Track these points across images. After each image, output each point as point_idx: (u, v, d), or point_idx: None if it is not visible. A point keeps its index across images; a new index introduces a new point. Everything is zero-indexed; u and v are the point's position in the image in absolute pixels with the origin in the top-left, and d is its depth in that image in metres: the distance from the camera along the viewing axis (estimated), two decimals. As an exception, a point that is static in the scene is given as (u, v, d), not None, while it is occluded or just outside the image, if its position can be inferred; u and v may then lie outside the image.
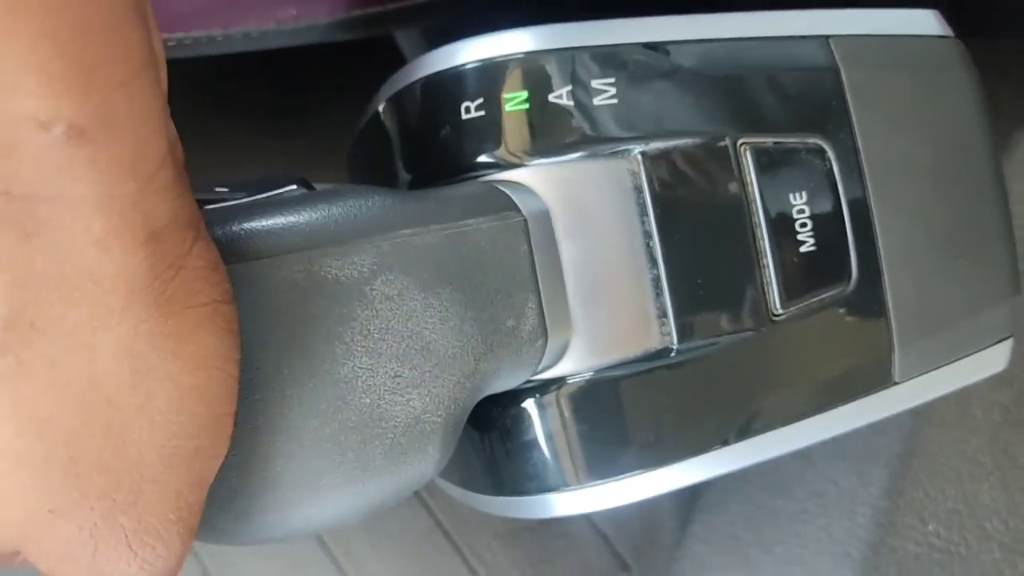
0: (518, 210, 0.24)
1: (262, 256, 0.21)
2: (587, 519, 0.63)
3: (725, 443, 0.26)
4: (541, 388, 0.25)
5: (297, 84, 0.49)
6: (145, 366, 0.18)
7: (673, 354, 0.25)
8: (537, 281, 0.24)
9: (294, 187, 0.23)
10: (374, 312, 0.22)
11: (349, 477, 0.21)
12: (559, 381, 0.25)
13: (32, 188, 0.16)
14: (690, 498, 0.51)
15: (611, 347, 0.25)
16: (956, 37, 0.28)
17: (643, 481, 0.26)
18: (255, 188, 0.24)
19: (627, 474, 0.26)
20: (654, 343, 0.25)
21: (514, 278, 0.24)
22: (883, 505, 0.47)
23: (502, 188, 0.25)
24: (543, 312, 0.24)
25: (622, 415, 0.25)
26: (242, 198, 0.23)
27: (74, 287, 0.17)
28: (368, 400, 0.21)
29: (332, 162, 0.35)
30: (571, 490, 0.26)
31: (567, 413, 0.25)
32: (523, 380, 0.25)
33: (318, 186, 0.24)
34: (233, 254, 0.21)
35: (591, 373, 0.25)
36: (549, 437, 0.26)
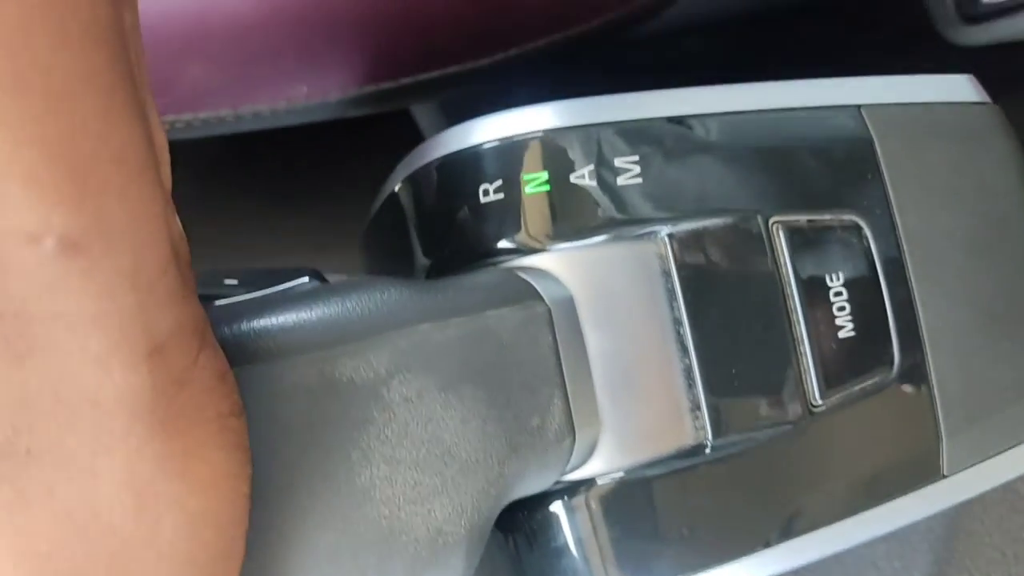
0: (541, 299, 0.23)
1: (272, 357, 0.19)
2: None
3: (766, 545, 0.24)
4: (569, 490, 0.24)
5: (309, 161, 0.48)
6: (151, 491, 0.17)
7: (708, 450, 0.24)
8: (563, 375, 0.22)
9: (306, 279, 0.22)
10: (391, 415, 0.20)
11: None
12: (588, 482, 0.24)
13: (22, 305, 0.15)
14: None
15: (643, 444, 0.23)
16: (993, 103, 0.27)
17: (679, 586, 0.24)
18: (266, 281, 0.23)
19: (663, 579, 0.24)
20: (688, 439, 0.24)
21: (538, 372, 0.22)
22: (925, 587, 0.45)
23: (523, 276, 0.23)
24: (570, 409, 0.22)
25: (656, 517, 0.24)
26: (252, 291, 0.22)
27: (72, 410, 0.16)
28: (387, 511, 0.20)
29: (345, 243, 0.34)
30: (603, 598, 0.24)
31: (598, 516, 0.24)
32: (551, 482, 0.23)
33: (331, 277, 0.23)
34: (241, 355, 0.19)
35: (622, 472, 0.24)
36: (579, 542, 0.24)
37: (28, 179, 0.14)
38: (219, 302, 0.21)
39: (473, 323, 0.22)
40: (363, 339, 0.20)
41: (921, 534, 0.45)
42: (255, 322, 0.20)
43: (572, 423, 0.22)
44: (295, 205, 0.48)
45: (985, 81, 0.27)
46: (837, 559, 0.47)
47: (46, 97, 0.14)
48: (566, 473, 0.23)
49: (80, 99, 0.14)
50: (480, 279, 0.23)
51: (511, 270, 0.24)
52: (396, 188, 0.27)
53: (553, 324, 0.23)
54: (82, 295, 0.15)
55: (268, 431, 0.19)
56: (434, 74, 0.31)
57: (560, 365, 0.22)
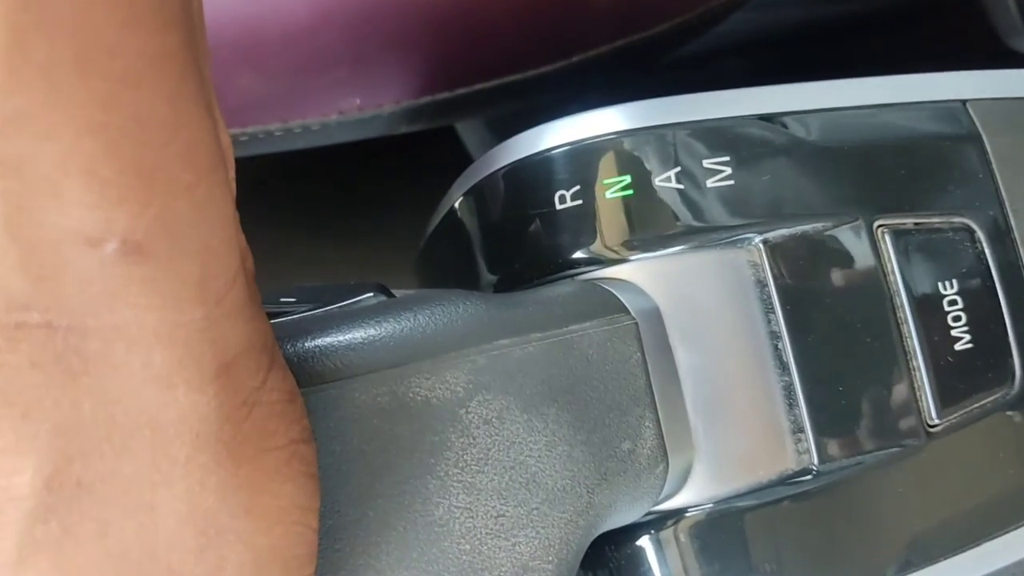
0: (627, 311, 0.21)
1: (341, 377, 0.18)
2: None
3: (879, 581, 0.22)
4: (658, 523, 0.22)
5: (356, 184, 0.47)
6: (214, 528, 0.15)
7: (813, 476, 0.21)
8: (653, 394, 0.21)
9: (371, 295, 0.21)
10: (471, 439, 0.19)
11: None
12: (678, 513, 0.22)
13: (79, 318, 0.14)
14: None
15: (738, 471, 0.21)
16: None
17: (782, 630, 0.22)
18: (327, 298, 0.21)
19: (763, 621, 0.22)
20: (789, 464, 0.21)
21: (627, 391, 0.20)
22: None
23: (606, 286, 0.21)
24: (662, 431, 0.21)
25: (753, 554, 0.22)
26: (313, 309, 0.20)
27: (129, 435, 0.14)
28: (468, 547, 0.18)
29: (398, 267, 0.32)
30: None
31: (690, 552, 0.22)
32: (642, 513, 0.21)
33: (398, 292, 0.21)
34: (307, 376, 0.18)
35: (715, 504, 0.22)
36: (669, 580, 0.22)
37: (89, 174, 0.13)
38: (280, 319, 0.19)
39: (556, 339, 0.20)
40: (438, 356, 0.19)
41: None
42: (321, 340, 0.19)
43: (665, 447, 0.21)
44: (341, 230, 0.46)
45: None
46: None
47: (111, 81, 0.13)
48: (658, 503, 0.21)
49: (148, 85, 0.13)
50: (560, 291, 0.22)
51: (593, 281, 0.22)
52: (457, 203, 0.25)
53: (641, 339, 0.21)
54: (145, 306, 0.14)
55: (337, 458, 0.18)
56: (490, 84, 0.29)
57: (650, 384, 0.21)
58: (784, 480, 0.22)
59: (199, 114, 0.14)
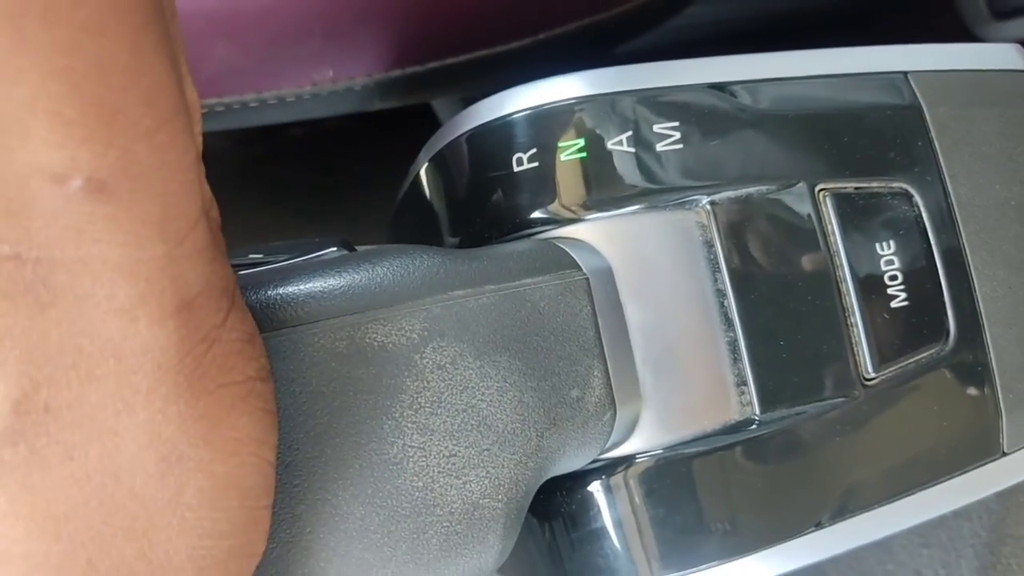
0: (579, 268, 0.22)
1: (301, 323, 0.19)
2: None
3: (818, 526, 0.23)
4: (607, 469, 0.23)
5: (333, 165, 0.48)
6: (174, 454, 0.16)
7: (755, 426, 0.23)
8: (602, 346, 0.22)
9: (334, 249, 0.21)
10: (425, 383, 0.19)
11: (400, 573, 0.19)
12: (627, 460, 0.23)
13: (47, 251, 0.14)
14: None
15: (685, 420, 0.22)
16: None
17: (727, 572, 0.23)
18: (292, 253, 0.22)
19: (707, 564, 0.23)
20: (733, 414, 0.23)
21: (577, 342, 0.21)
22: (971, 596, 0.43)
23: (560, 244, 0.22)
24: (610, 381, 0.22)
25: (700, 497, 0.23)
26: (279, 262, 0.21)
27: (95, 364, 0.15)
28: (420, 483, 0.19)
29: (372, 235, 0.33)
30: (645, 584, 0.23)
31: (638, 497, 0.23)
32: (590, 459, 0.22)
33: (360, 248, 0.22)
34: (269, 322, 0.19)
35: (663, 450, 0.23)
36: (618, 524, 0.23)
37: (54, 115, 0.13)
38: (246, 271, 0.20)
39: (509, 291, 0.21)
40: (395, 305, 0.20)
41: (965, 539, 0.43)
42: (283, 289, 0.19)
43: (612, 396, 0.22)
44: (318, 208, 0.47)
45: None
46: (880, 567, 0.46)
47: (74, 28, 0.13)
48: (607, 450, 0.22)
49: (110, 33, 0.14)
50: (515, 247, 0.23)
51: (547, 239, 0.23)
52: (422, 168, 0.26)
53: (591, 293, 0.22)
54: (109, 242, 0.14)
55: (297, 399, 0.19)
56: (461, 59, 0.30)
57: (599, 336, 0.22)
58: (728, 429, 0.23)
59: (161, 64, 0.15)
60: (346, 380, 0.19)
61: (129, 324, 0.15)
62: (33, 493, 0.15)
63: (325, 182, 0.50)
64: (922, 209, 0.24)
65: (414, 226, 0.28)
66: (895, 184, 0.24)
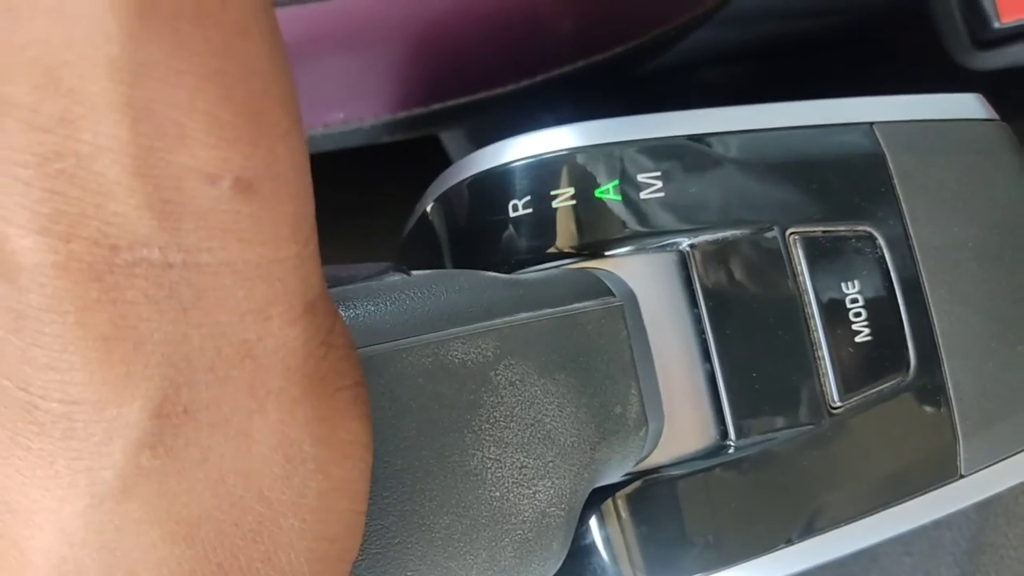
0: (613, 294, 0.24)
1: (389, 340, 0.20)
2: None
3: (788, 542, 0.25)
4: (598, 490, 0.25)
5: (342, 187, 0.50)
6: (299, 455, 0.16)
7: (731, 450, 0.25)
8: (636, 367, 0.23)
9: (391, 270, 0.23)
10: (499, 398, 0.21)
11: None
12: (615, 487, 0.25)
13: (193, 254, 0.14)
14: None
15: (669, 444, 0.25)
16: (1001, 120, 0.28)
17: (704, 584, 0.25)
18: (348, 276, 0.23)
19: (689, 576, 0.25)
20: (711, 440, 0.25)
21: (618, 363, 0.23)
22: (952, 602, 0.45)
23: (594, 273, 0.24)
24: (642, 399, 0.23)
25: (681, 516, 0.25)
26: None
27: (231, 365, 0.15)
28: (498, 494, 0.20)
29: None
30: (632, 596, 0.25)
31: (626, 515, 0.25)
32: (625, 472, 0.24)
33: (415, 272, 0.23)
34: (361, 338, 0.19)
35: (647, 474, 0.25)
36: (607, 541, 0.25)
37: (210, 116, 0.14)
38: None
39: (564, 314, 0.22)
40: (471, 325, 0.21)
41: (946, 548, 0.45)
42: (365, 307, 0.20)
43: (645, 413, 0.23)
44: (328, 235, 0.49)
45: (999, 103, 0.28)
46: (864, 570, 0.48)
47: (225, 31, 0.14)
48: (637, 465, 0.24)
49: (252, 36, 0.14)
50: (559, 275, 0.24)
51: (583, 267, 0.25)
52: (428, 208, 0.28)
53: (626, 319, 0.23)
54: (251, 241, 0.15)
55: (386, 413, 0.19)
56: (463, 100, 0.33)
57: (633, 358, 0.23)
58: (706, 453, 0.25)
59: (287, 67, 0.15)
60: (431, 395, 0.20)
61: (264, 324, 0.15)
62: (168, 498, 0.15)
63: (332, 203, 0.51)
64: (885, 250, 0.26)
65: (422, 258, 0.30)
66: (860, 227, 0.26)
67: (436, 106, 0.32)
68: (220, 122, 0.14)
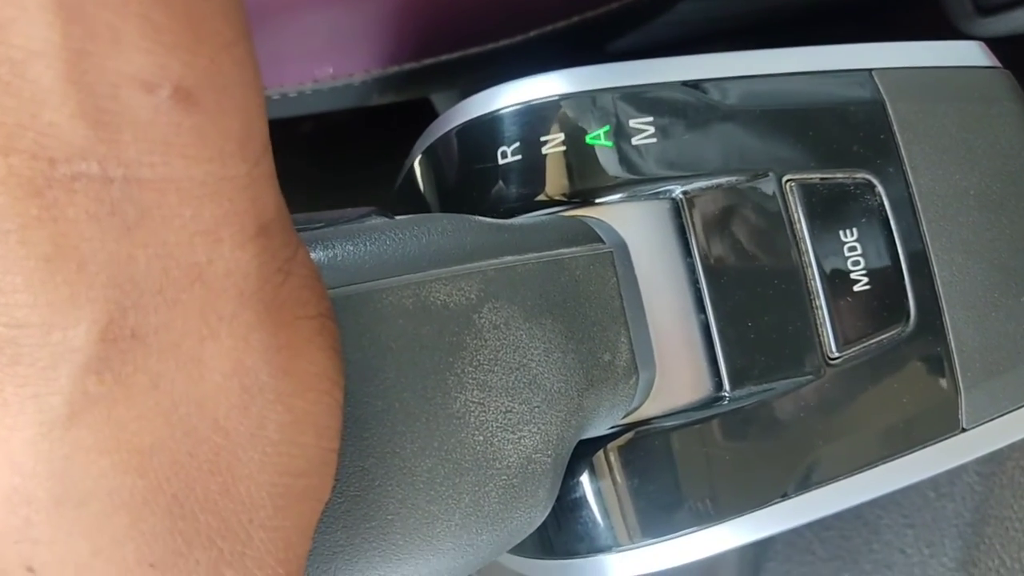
0: (603, 241, 0.23)
1: (369, 280, 0.19)
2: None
3: (784, 496, 0.24)
4: (590, 442, 0.24)
5: (342, 160, 0.49)
6: (256, 384, 0.15)
7: (726, 402, 0.24)
8: (626, 315, 0.23)
9: (372, 213, 0.22)
10: (483, 341, 0.20)
11: (463, 524, 0.20)
12: (608, 437, 0.24)
13: (135, 169, 0.14)
14: (752, 571, 0.49)
15: (662, 395, 0.24)
16: (1003, 68, 0.27)
17: (699, 539, 0.24)
18: (330, 220, 0.22)
19: (682, 532, 0.24)
20: (705, 391, 0.24)
21: (606, 310, 0.22)
22: (956, 576, 0.44)
23: (584, 220, 0.24)
24: (632, 347, 0.23)
25: (675, 468, 0.24)
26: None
27: (180, 288, 0.14)
28: (481, 438, 0.20)
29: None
30: (624, 551, 0.24)
31: (617, 467, 0.24)
32: (616, 421, 0.24)
33: (399, 217, 0.23)
34: (336, 277, 0.19)
35: (641, 425, 0.24)
36: (599, 494, 0.24)
37: (144, 19, 0.13)
38: (302, 232, 0.20)
39: (551, 259, 0.22)
40: (454, 266, 0.20)
41: (949, 520, 0.44)
42: (344, 248, 0.20)
43: (635, 362, 0.23)
44: (330, 195, 0.48)
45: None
46: (866, 546, 0.47)
47: None
48: (628, 414, 0.24)
49: None
50: (547, 221, 0.24)
51: (572, 215, 0.24)
52: (416, 161, 0.28)
53: (615, 266, 0.23)
54: (195, 157, 0.14)
55: (366, 353, 0.19)
56: (454, 55, 0.32)
57: (623, 306, 0.23)
58: (701, 405, 0.24)
59: None
60: (412, 336, 0.19)
61: (214, 246, 0.15)
62: (118, 426, 0.14)
63: (334, 175, 0.51)
64: (884, 198, 0.25)
65: (411, 212, 0.29)
66: (858, 175, 0.25)
67: (427, 61, 0.31)
68: (155, 26, 0.13)
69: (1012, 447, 0.43)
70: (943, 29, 0.45)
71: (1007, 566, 0.44)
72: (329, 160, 0.51)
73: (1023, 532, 0.44)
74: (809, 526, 0.47)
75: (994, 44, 0.43)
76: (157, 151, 0.14)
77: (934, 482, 0.45)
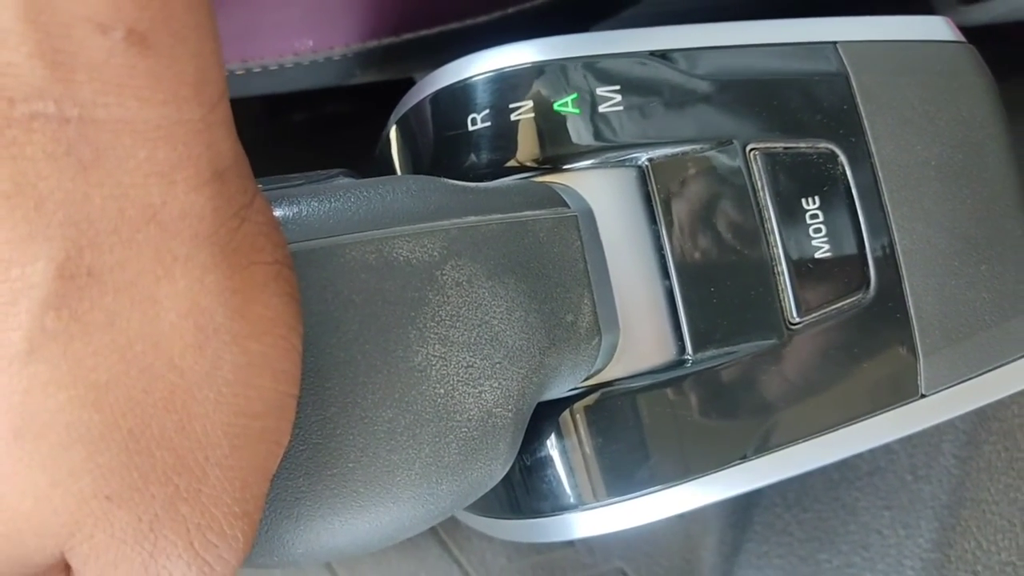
0: (567, 205, 0.24)
1: (333, 235, 0.20)
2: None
3: (743, 459, 0.25)
4: (555, 402, 0.25)
5: (332, 150, 0.50)
6: (211, 325, 0.16)
7: (689, 364, 0.25)
8: (589, 277, 0.23)
9: (339, 173, 0.23)
10: (445, 298, 0.21)
11: (423, 475, 0.20)
12: (575, 397, 0.25)
13: (89, 109, 0.14)
14: (730, 552, 0.49)
15: (627, 358, 0.24)
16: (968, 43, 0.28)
17: (662, 498, 0.25)
18: (298, 180, 0.23)
19: (646, 490, 0.25)
20: (669, 354, 0.25)
21: (570, 272, 0.23)
22: (933, 557, 0.45)
23: (550, 184, 0.24)
24: (596, 310, 0.23)
25: (639, 428, 0.25)
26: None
27: (136, 228, 0.15)
28: (442, 391, 0.21)
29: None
30: (588, 509, 0.25)
31: (583, 427, 0.25)
32: (578, 382, 0.24)
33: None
34: (300, 232, 0.20)
35: (606, 387, 0.25)
36: (564, 453, 0.25)
37: None
38: (267, 189, 0.21)
39: (514, 220, 0.23)
40: (418, 224, 0.21)
41: (926, 502, 0.45)
42: (309, 205, 0.21)
43: (598, 324, 0.23)
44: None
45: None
46: (843, 528, 0.47)
47: None
48: (590, 376, 0.24)
49: None
50: (513, 184, 0.24)
51: (540, 180, 0.25)
52: (391, 130, 0.28)
53: (580, 230, 0.24)
54: (150, 99, 0.15)
55: (329, 305, 0.20)
56: (434, 31, 0.32)
57: (587, 269, 0.23)
58: (664, 368, 0.25)
59: None
60: (375, 291, 0.20)
61: (168, 188, 0.15)
62: (75, 361, 0.15)
63: (324, 164, 0.52)
64: (847, 168, 0.25)
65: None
66: (821, 144, 0.25)
67: (407, 36, 0.32)
68: None
69: (989, 431, 0.44)
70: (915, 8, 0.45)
71: (983, 548, 0.44)
72: (320, 150, 0.52)
73: (999, 515, 0.44)
74: (787, 507, 0.47)
75: (977, 33, 0.44)
76: (111, 92, 0.14)
77: (911, 465, 0.45)
